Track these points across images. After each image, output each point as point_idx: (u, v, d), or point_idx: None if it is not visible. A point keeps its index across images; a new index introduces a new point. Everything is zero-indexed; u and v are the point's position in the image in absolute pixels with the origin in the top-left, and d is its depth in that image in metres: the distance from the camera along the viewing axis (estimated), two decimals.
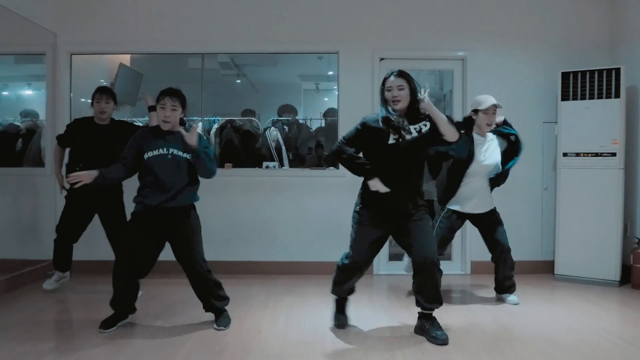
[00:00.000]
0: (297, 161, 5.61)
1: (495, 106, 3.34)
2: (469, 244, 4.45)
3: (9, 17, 3.84)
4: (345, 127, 4.23)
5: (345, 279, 2.94)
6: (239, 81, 6.66)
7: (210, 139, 5.29)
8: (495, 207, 3.49)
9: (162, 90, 2.88)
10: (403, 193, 2.74)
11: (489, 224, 3.47)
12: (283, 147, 5.36)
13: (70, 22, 4.46)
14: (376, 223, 2.81)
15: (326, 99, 7.00)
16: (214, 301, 3.01)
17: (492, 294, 3.70)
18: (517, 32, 4.48)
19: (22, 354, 2.55)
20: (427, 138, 2.76)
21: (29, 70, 5.06)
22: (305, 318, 3.21)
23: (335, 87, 4.75)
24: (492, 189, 3.49)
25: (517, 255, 3.56)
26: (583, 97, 4.12)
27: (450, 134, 2.71)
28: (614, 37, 4.44)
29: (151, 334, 2.89)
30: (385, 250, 4.50)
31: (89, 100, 3.63)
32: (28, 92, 5.22)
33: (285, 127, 5.83)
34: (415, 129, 2.74)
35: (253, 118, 5.79)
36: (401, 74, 2.76)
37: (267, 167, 4.71)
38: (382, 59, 4.49)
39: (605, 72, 4.03)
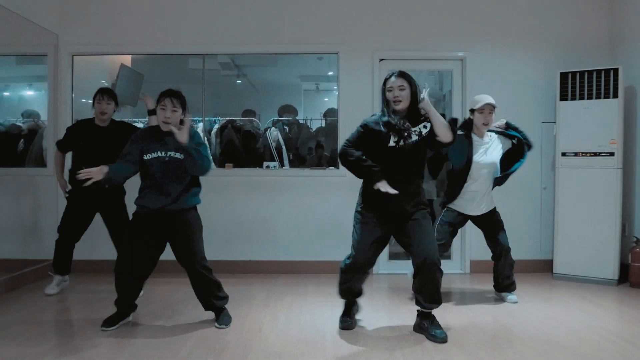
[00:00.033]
0: (298, 161, 5.62)
1: (490, 105, 3.34)
2: (468, 243, 4.47)
3: (11, 18, 3.86)
4: (345, 127, 4.28)
5: (349, 279, 2.95)
6: (239, 81, 6.66)
7: (211, 139, 5.31)
8: (495, 207, 3.51)
9: (163, 92, 2.88)
10: (403, 193, 2.75)
11: (490, 224, 3.49)
12: (283, 147, 5.38)
13: (72, 23, 4.48)
14: (378, 223, 2.83)
15: (326, 99, 7.00)
16: (214, 301, 3.02)
17: (491, 292, 3.73)
18: (517, 32, 4.49)
19: (22, 354, 2.56)
20: (427, 140, 2.79)
21: (30, 71, 5.08)
22: (306, 317, 3.23)
23: (335, 88, 4.77)
24: (492, 188, 3.49)
25: (516, 254, 3.57)
26: (581, 97, 4.14)
27: (445, 135, 2.73)
28: (614, 37, 4.46)
29: (152, 333, 2.91)
30: (385, 250, 4.49)
31: (90, 101, 3.65)
32: (29, 93, 5.23)
33: (285, 127, 5.84)
34: (415, 132, 2.76)
35: (253, 118, 5.81)
36: (402, 75, 2.78)
37: (267, 167, 4.73)
38: (382, 59, 4.50)
39: (603, 72, 4.05)
